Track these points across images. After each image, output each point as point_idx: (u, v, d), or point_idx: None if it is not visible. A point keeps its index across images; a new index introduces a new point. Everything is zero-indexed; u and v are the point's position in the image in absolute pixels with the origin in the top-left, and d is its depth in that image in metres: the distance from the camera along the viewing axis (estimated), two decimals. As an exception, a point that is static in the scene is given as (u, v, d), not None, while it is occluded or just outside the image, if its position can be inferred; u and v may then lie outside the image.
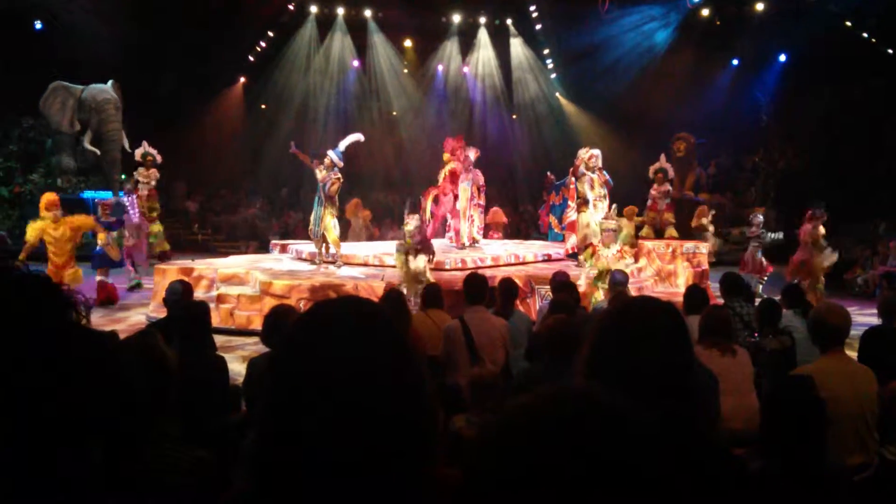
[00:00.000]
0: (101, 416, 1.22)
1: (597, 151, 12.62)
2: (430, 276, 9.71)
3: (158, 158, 15.56)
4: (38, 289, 1.23)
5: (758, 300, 7.73)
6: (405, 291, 8.86)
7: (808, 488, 2.68)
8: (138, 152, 15.75)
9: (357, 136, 12.71)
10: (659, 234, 14.98)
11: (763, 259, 12.67)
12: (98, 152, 17.55)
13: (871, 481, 3.90)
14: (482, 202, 14.17)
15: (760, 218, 13.21)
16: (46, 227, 11.70)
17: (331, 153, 11.97)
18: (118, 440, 1.94)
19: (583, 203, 12.36)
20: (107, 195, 16.81)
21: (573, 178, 12.68)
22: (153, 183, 15.23)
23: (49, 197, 12.00)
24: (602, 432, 0.87)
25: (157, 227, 15.01)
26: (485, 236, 15.13)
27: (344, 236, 17.63)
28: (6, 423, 1.11)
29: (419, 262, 9.72)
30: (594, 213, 12.05)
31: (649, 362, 1.69)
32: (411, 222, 9.89)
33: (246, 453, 3.49)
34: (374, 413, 1.15)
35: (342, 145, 12.24)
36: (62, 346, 1.18)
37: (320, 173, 11.85)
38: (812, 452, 2.76)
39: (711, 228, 14.67)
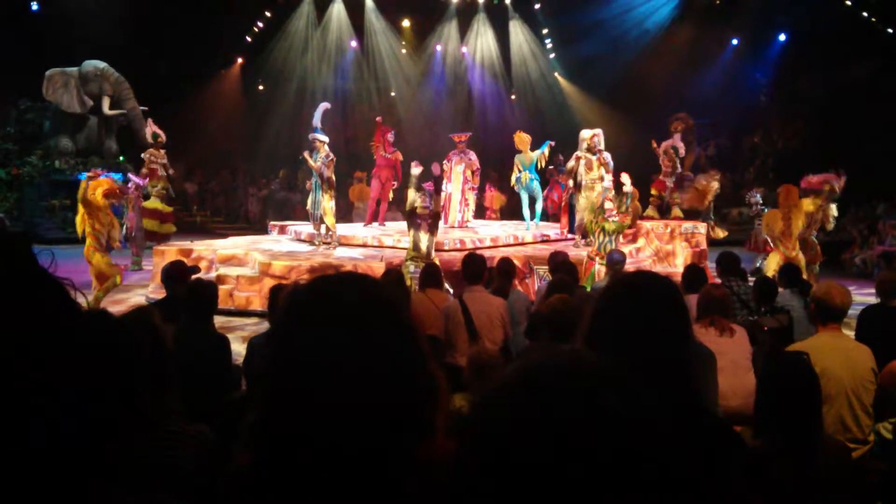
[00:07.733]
0: (93, 389, 1.18)
1: (599, 131, 12.61)
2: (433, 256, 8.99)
3: (163, 138, 15.55)
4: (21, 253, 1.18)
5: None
6: (411, 269, 8.62)
7: (806, 465, 2.69)
8: (147, 132, 15.68)
9: (325, 105, 12.86)
10: (664, 213, 14.90)
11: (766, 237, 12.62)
12: (125, 111, 18.07)
13: (867, 459, 3.92)
14: (475, 185, 14.29)
15: (758, 197, 13.18)
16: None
17: (316, 135, 11.92)
18: (118, 415, 1.96)
19: (577, 185, 12.39)
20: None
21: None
22: (163, 162, 15.22)
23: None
24: (595, 395, 0.86)
25: (157, 205, 14.91)
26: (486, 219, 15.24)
27: (348, 218, 17.69)
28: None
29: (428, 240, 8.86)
30: (591, 194, 12.03)
31: (646, 333, 1.70)
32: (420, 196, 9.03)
33: (246, 429, 3.53)
34: (376, 389, 1.14)
35: (317, 121, 12.30)
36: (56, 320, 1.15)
37: (314, 162, 11.71)
38: (808, 429, 2.77)
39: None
